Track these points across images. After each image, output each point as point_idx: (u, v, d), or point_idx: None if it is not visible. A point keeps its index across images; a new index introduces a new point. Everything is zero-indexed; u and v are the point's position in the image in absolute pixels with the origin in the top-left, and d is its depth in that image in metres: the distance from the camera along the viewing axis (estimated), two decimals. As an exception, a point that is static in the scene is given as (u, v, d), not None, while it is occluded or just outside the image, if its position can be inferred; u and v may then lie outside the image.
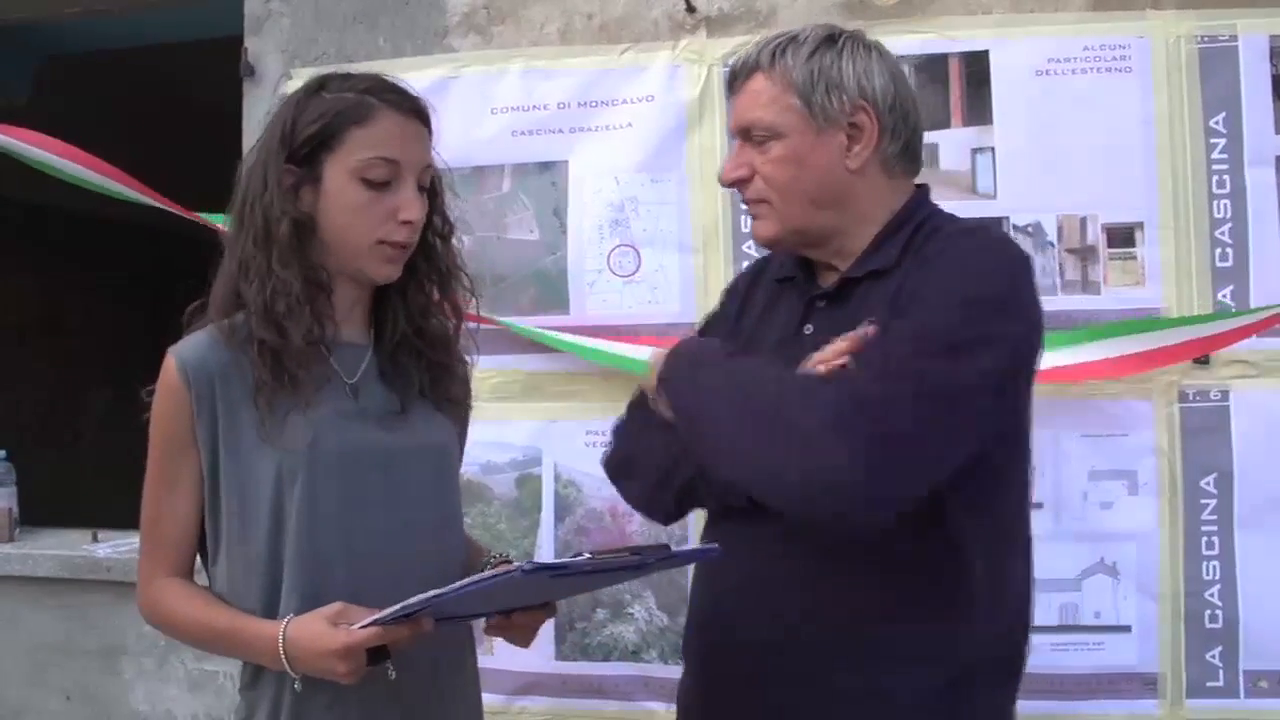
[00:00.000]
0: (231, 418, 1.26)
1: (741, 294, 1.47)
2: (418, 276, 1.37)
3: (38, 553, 2.61)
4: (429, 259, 1.38)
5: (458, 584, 1.15)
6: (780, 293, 1.41)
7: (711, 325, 1.49)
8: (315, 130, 1.27)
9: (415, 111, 1.32)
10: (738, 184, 1.35)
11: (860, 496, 1.13)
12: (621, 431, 1.44)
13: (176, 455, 1.28)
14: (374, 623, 1.16)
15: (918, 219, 1.31)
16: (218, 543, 1.29)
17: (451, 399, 1.41)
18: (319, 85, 1.32)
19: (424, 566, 1.31)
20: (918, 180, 1.37)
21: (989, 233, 1.32)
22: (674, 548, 1.20)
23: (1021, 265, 1.26)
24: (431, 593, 1.15)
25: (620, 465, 1.43)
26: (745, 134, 1.33)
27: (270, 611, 1.25)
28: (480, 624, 1.39)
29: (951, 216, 1.34)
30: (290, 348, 1.25)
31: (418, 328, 1.37)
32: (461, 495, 1.45)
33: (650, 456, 1.36)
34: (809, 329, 1.32)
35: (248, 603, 1.27)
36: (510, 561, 1.38)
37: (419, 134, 1.32)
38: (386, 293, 1.36)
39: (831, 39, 1.31)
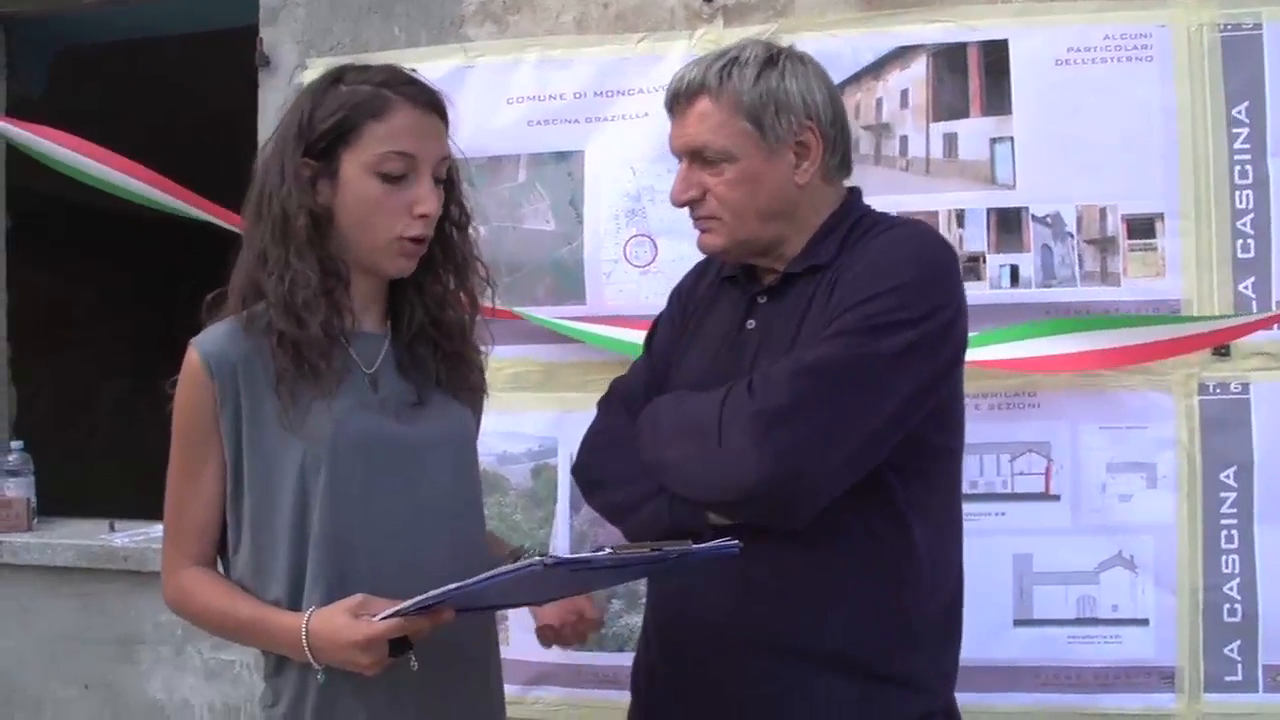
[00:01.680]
0: (254, 408, 1.27)
1: (686, 294, 1.55)
2: (434, 267, 1.38)
3: (56, 542, 2.62)
4: (445, 249, 1.39)
5: (477, 578, 1.16)
6: (723, 290, 1.49)
7: (660, 325, 1.57)
8: (332, 124, 1.28)
9: (431, 104, 1.32)
10: (690, 204, 1.41)
11: (778, 505, 1.26)
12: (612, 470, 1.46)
13: (200, 446, 1.29)
14: (395, 614, 1.17)
15: (852, 218, 1.40)
16: (239, 532, 1.30)
17: (469, 388, 1.42)
18: (336, 77, 1.32)
19: (446, 554, 1.32)
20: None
21: (910, 228, 1.41)
22: (694, 544, 1.21)
23: (934, 256, 1.35)
24: (452, 586, 1.16)
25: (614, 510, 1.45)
26: (695, 155, 1.39)
27: (294, 599, 1.26)
28: (505, 613, 1.39)
29: (884, 215, 1.43)
30: (309, 338, 1.26)
31: (434, 319, 1.38)
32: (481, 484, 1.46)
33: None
34: (751, 324, 1.40)
35: (271, 591, 1.28)
36: (531, 554, 1.39)
37: (435, 127, 1.32)
38: (403, 284, 1.37)
39: (772, 59, 1.37)
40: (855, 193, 1.45)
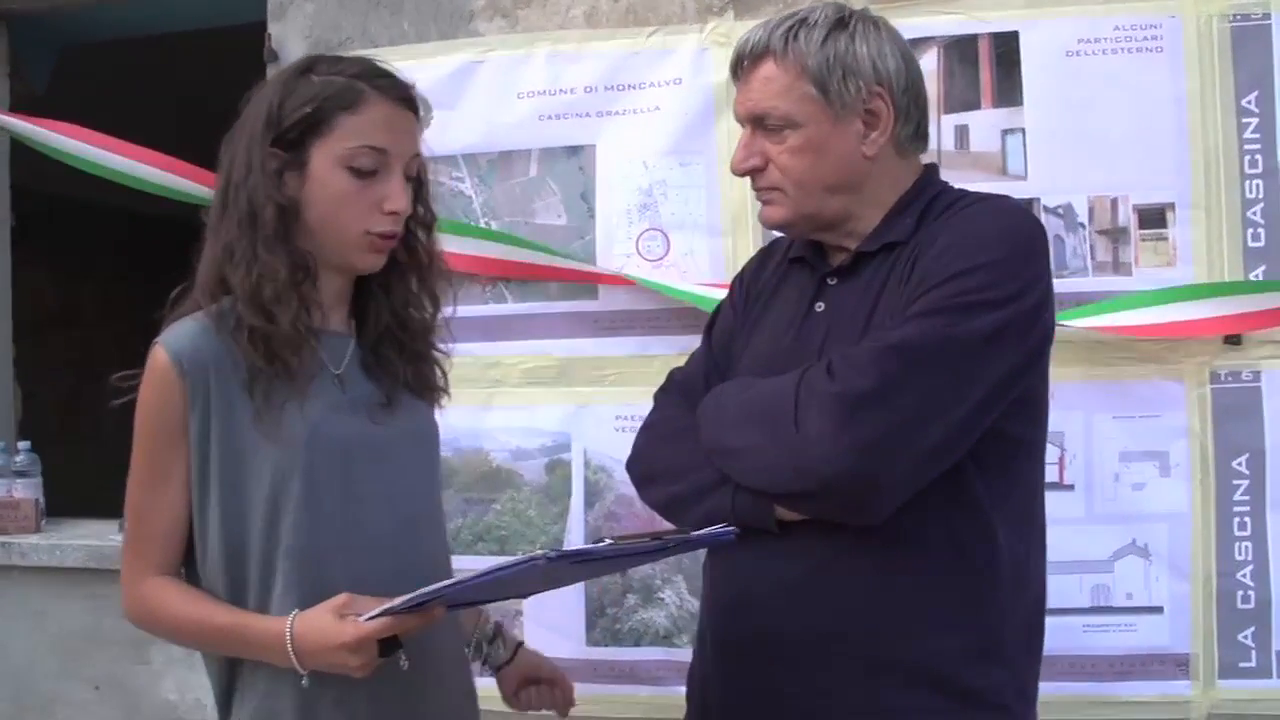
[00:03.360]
0: (225, 410, 1.23)
1: (747, 281, 1.47)
2: (399, 267, 1.34)
3: (65, 543, 2.60)
4: (411, 249, 1.35)
5: (478, 572, 1.13)
6: (790, 272, 1.41)
7: (721, 313, 1.50)
8: (302, 115, 1.24)
9: (404, 99, 1.29)
10: (751, 173, 1.34)
11: (857, 497, 1.18)
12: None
13: (167, 449, 1.24)
14: (385, 612, 1.14)
15: (931, 193, 1.32)
16: (205, 540, 1.25)
17: (431, 388, 1.40)
18: (307, 67, 1.29)
19: (418, 557, 1.30)
20: (927, 161, 1.38)
21: (998, 202, 1.33)
22: (692, 531, 1.20)
23: (1025, 234, 1.27)
24: (449, 582, 1.14)
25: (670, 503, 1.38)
26: (758, 121, 1.31)
27: (263, 609, 1.22)
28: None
29: (963, 191, 1.35)
30: (280, 333, 1.22)
31: (400, 319, 1.35)
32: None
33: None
34: (820, 306, 1.33)
35: (240, 601, 1.23)
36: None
37: (408, 122, 1.29)
38: (368, 283, 1.34)
39: (842, 21, 1.30)
40: (932, 169, 1.37)
